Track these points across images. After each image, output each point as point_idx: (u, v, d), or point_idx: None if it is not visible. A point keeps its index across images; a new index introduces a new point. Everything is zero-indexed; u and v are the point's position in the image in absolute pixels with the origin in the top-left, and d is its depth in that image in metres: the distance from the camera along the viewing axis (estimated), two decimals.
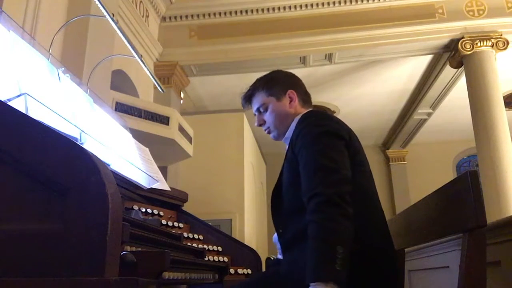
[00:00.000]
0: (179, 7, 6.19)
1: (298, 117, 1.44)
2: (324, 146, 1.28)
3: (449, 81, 6.69)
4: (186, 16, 6.24)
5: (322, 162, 1.24)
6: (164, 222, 2.05)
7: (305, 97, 1.54)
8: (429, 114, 8.02)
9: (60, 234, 0.89)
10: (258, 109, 1.53)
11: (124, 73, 4.98)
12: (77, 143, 1.21)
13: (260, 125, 1.55)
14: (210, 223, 2.34)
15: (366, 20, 5.90)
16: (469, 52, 5.58)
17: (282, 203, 1.38)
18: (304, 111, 1.48)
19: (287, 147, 1.46)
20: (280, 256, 1.43)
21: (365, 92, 7.38)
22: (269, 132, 1.54)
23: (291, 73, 1.59)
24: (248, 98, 1.56)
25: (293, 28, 6.00)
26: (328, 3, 6.03)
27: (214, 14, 6.17)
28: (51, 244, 0.89)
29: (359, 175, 1.31)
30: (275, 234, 1.43)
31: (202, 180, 6.05)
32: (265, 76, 1.57)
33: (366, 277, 1.21)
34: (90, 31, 3.57)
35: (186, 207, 2.39)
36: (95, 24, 3.60)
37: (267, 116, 1.51)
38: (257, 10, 6.12)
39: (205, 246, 2.07)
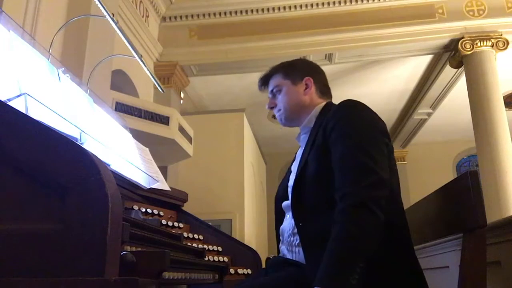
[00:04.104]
0: (179, 7, 6.19)
1: (320, 106, 1.39)
2: (365, 140, 1.18)
3: (449, 81, 6.69)
4: (186, 16, 6.24)
5: (361, 159, 1.14)
6: (164, 222, 2.05)
7: (323, 88, 1.48)
8: (429, 114, 8.02)
9: (60, 234, 0.89)
10: (272, 91, 1.49)
11: (124, 73, 4.98)
12: (77, 143, 1.21)
13: (271, 108, 1.50)
14: (210, 223, 2.34)
15: (366, 20, 5.90)
16: (469, 52, 5.59)
17: (304, 195, 1.26)
18: (322, 101, 1.43)
19: (303, 135, 1.41)
20: (283, 249, 1.34)
21: (365, 92, 7.37)
22: (278, 116, 1.49)
23: (314, 63, 1.56)
24: (265, 79, 1.52)
25: (293, 28, 6.01)
26: (328, 3, 6.03)
27: (214, 14, 6.17)
28: (51, 244, 0.88)
29: (393, 179, 1.22)
30: (285, 223, 1.33)
31: (202, 180, 6.05)
32: (288, 61, 1.54)
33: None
34: (90, 31, 3.58)
35: (186, 207, 2.39)
36: (95, 24, 3.60)
37: (280, 99, 1.46)
38: (257, 10, 6.12)
39: (205, 246, 2.07)
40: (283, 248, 1.35)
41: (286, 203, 1.37)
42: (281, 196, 1.42)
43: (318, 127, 1.32)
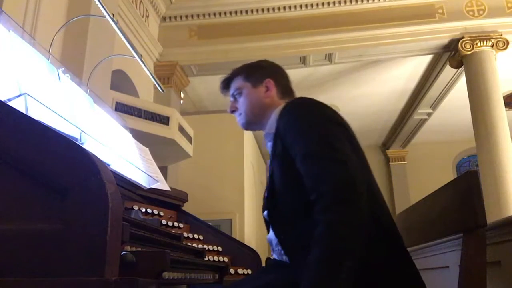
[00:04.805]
0: (179, 7, 6.19)
1: (279, 108, 1.32)
2: (323, 134, 1.14)
3: (449, 81, 6.69)
4: (186, 16, 6.24)
5: (322, 153, 1.10)
6: (164, 222, 2.05)
7: (284, 89, 1.44)
8: (429, 114, 8.02)
9: (60, 234, 0.89)
10: (233, 94, 1.46)
11: (124, 73, 4.98)
12: (77, 143, 1.21)
13: (232, 111, 1.47)
14: (210, 223, 2.34)
15: (366, 20, 5.90)
16: (469, 52, 5.58)
17: (279, 206, 1.23)
18: (282, 103, 1.36)
19: (269, 143, 1.35)
20: (275, 255, 1.34)
21: (365, 92, 7.38)
22: (238, 121, 1.45)
23: (276, 64, 1.51)
24: (226, 82, 1.50)
25: (293, 28, 6.00)
26: (328, 3, 6.03)
27: (214, 14, 6.17)
28: (51, 244, 0.89)
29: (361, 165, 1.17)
30: (270, 234, 1.30)
31: (202, 180, 6.05)
32: (249, 63, 1.50)
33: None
34: (90, 31, 3.57)
35: (186, 207, 2.39)
36: (95, 24, 3.60)
37: (240, 102, 1.43)
38: (257, 10, 6.12)
39: (205, 246, 2.07)
40: (274, 255, 1.33)
41: (265, 214, 1.33)
42: (263, 206, 1.37)
43: (277, 132, 1.27)
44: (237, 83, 1.46)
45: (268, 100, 1.40)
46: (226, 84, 1.50)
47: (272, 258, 1.41)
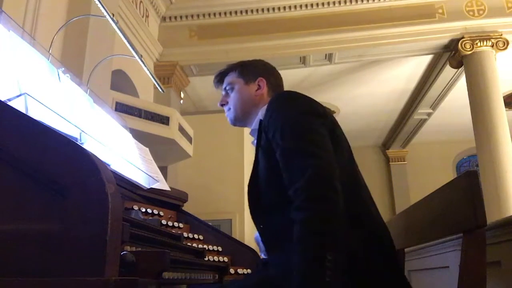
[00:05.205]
0: (179, 7, 6.19)
1: (264, 107, 1.34)
2: (300, 127, 1.15)
3: (449, 81, 6.69)
4: (186, 16, 6.24)
5: (301, 148, 1.10)
6: (164, 222, 2.05)
7: (276, 90, 1.46)
8: (429, 114, 8.02)
9: (60, 234, 0.89)
10: (225, 88, 1.49)
11: (124, 73, 4.98)
12: (77, 143, 1.21)
13: (222, 105, 1.50)
14: (210, 223, 2.34)
15: (366, 20, 5.90)
16: (469, 52, 5.59)
17: (260, 197, 1.26)
18: None
19: (254, 139, 1.37)
20: (263, 255, 1.36)
21: (365, 92, 7.38)
22: (227, 115, 1.49)
23: (271, 65, 1.54)
24: (221, 76, 1.52)
25: (293, 28, 6.00)
26: (328, 3, 6.03)
27: (214, 14, 6.17)
28: (51, 244, 0.89)
29: (342, 158, 1.18)
30: (257, 233, 1.33)
31: (202, 180, 6.05)
32: (245, 60, 1.53)
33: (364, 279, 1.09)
34: (90, 31, 3.57)
35: (186, 207, 2.39)
36: (95, 24, 3.60)
37: (231, 97, 1.46)
38: (257, 10, 6.12)
39: (205, 246, 2.07)
40: (262, 255, 1.35)
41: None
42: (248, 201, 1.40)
43: (260, 127, 1.30)
44: (230, 78, 1.49)
45: (258, 98, 1.43)
46: (220, 78, 1.53)
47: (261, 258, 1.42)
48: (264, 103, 1.40)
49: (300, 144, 1.11)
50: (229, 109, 1.47)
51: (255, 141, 1.34)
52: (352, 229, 1.09)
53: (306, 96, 1.27)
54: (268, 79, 1.46)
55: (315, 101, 1.27)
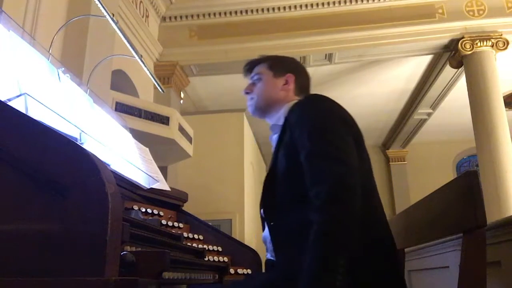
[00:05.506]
0: (179, 7, 6.19)
1: (291, 103, 1.37)
2: (327, 132, 1.17)
3: (449, 81, 6.69)
4: (186, 16, 6.24)
5: (326, 152, 1.12)
6: (164, 222, 2.05)
7: (302, 88, 1.47)
8: (429, 114, 8.03)
9: (60, 234, 0.89)
10: (253, 77, 1.50)
11: (124, 73, 4.98)
12: (77, 143, 1.21)
13: (246, 93, 1.50)
14: (210, 223, 2.34)
15: (366, 20, 5.90)
16: (469, 52, 5.59)
17: (276, 193, 1.26)
18: (295, 99, 1.41)
19: (274, 134, 1.39)
20: (268, 255, 1.35)
21: (365, 92, 7.38)
22: (249, 104, 1.49)
23: (302, 65, 1.56)
24: (251, 64, 1.53)
25: (293, 28, 6.01)
26: (328, 3, 6.03)
27: (214, 14, 6.17)
28: (51, 244, 0.89)
29: (365, 168, 1.22)
30: (265, 232, 1.32)
31: (202, 180, 6.05)
32: (279, 55, 1.55)
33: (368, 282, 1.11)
34: (90, 31, 3.57)
35: (186, 207, 2.39)
36: (95, 24, 3.60)
37: (257, 87, 1.47)
38: (257, 10, 6.12)
39: (205, 246, 2.07)
40: (268, 255, 1.34)
41: (262, 211, 1.35)
42: (261, 200, 1.39)
43: (286, 124, 1.31)
44: (260, 68, 1.50)
45: (283, 93, 1.44)
46: (250, 67, 1.54)
47: (267, 258, 1.41)
48: (288, 99, 1.42)
49: (327, 148, 1.14)
50: (252, 98, 1.48)
51: (276, 136, 1.35)
52: (360, 233, 1.10)
53: (336, 102, 1.29)
54: (296, 77, 1.47)
55: (344, 109, 1.30)
